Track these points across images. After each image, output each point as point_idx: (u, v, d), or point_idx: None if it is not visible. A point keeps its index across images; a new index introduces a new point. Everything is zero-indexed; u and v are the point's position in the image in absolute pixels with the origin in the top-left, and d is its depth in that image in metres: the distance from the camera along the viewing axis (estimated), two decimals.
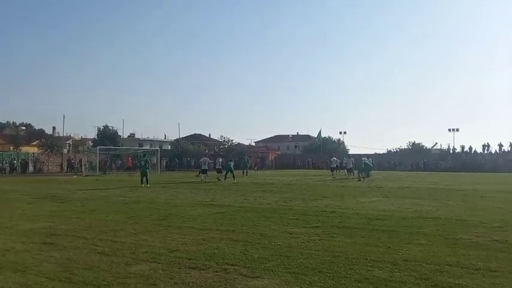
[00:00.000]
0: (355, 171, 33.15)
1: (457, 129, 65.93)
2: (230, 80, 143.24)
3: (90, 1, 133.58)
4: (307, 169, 59.60)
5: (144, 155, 31.48)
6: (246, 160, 38.89)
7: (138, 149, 53.57)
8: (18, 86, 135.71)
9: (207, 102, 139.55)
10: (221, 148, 69.33)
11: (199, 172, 30.10)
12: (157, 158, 47.62)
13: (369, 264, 6.23)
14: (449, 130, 66.36)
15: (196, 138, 78.53)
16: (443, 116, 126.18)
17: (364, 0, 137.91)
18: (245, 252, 7.04)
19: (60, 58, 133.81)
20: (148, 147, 65.75)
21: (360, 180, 29.38)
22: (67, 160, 49.37)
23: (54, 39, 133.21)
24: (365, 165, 32.41)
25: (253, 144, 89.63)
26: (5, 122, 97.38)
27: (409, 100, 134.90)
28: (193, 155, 60.74)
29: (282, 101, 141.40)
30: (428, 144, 69.04)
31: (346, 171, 35.49)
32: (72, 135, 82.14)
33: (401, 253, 6.91)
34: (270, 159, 70.01)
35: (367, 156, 45.55)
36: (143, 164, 25.35)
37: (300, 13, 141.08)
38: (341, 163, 38.73)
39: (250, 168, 41.84)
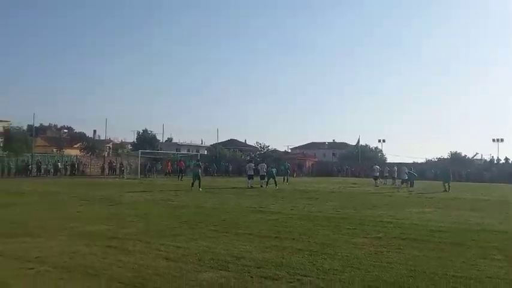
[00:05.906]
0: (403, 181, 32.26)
1: (502, 140, 63.88)
2: (265, 86, 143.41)
3: (121, 10, 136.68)
4: (346, 177, 58.76)
5: (198, 160, 31.99)
6: (286, 166, 38.70)
7: (177, 154, 54.09)
8: (60, 89, 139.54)
9: (243, 108, 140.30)
10: (257, 154, 69.13)
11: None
12: None
13: (451, 280, 5.89)
14: (494, 140, 64.37)
15: (232, 143, 78.89)
16: (486, 126, 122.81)
17: (401, 4, 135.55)
18: (313, 262, 6.80)
19: (101, 64, 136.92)
20: (186, 152, 66.29)
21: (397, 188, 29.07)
22: (108, 163, 50.37)
23: (96, 46, 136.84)
24: (409, 174, 31.67)
25: (289, 150, 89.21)
26: (46, 124, 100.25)
27: (451, 109, 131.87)
28: (229, 160, 60.96)
29: (316, 109, 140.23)
30: (469, 155, 66.94)
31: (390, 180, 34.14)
32: (111, 139, 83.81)
33: (481, 269, 6.53)
34: (307, 166, 69.42)
35: (408, 166, 44.34)
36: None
37: (335, 15, 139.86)
38: (382, 172, 37.81)
39: (290, 174, 41.44)
